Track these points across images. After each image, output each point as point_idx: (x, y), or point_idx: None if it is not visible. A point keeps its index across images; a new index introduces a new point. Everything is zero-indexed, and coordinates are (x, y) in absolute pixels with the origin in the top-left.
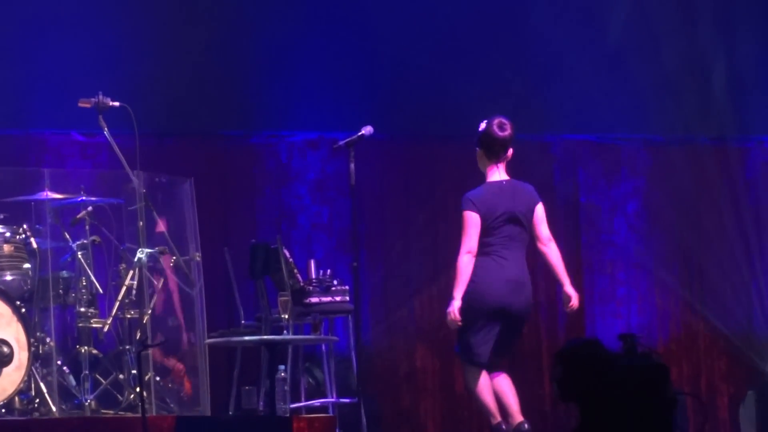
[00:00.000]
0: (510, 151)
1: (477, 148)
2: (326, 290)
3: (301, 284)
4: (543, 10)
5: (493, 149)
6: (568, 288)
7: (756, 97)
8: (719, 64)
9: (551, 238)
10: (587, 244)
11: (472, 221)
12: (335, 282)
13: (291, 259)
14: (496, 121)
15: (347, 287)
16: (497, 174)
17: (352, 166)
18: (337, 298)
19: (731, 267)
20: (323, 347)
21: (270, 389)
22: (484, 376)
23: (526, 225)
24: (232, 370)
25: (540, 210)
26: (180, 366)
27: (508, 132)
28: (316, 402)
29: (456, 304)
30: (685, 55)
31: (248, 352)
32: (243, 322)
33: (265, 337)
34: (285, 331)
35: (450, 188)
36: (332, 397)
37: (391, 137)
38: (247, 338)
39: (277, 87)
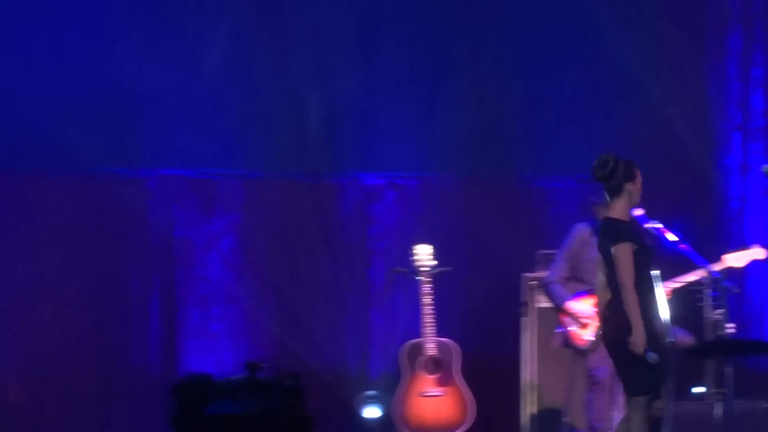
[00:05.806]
0: None
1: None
2: None
3: None
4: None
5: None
6: None
7: (351, 133)
8: (315, 100)
9: None
10: (181, 279)
11: None
12: None
13: None
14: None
15: None
16: None
17: None
18: None
19: (324, 303)
20: None
21: None
22: None
23: None
24: None
25: None
26: None
27: None
28: None
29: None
30: (281, 89)
31: None
32: None
33: None
34: None
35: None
36: None
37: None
38: None
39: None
